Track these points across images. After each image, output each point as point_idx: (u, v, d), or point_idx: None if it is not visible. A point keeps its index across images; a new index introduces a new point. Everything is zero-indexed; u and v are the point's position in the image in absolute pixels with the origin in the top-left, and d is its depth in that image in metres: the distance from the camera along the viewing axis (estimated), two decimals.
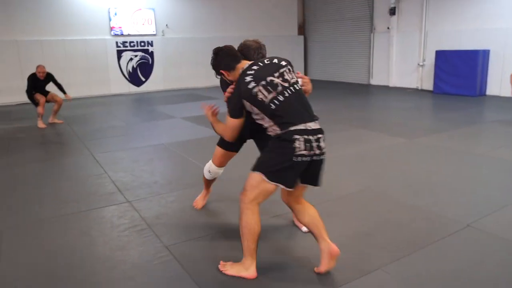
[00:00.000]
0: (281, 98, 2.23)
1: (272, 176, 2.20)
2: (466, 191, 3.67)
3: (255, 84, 2.24)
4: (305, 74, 14.68)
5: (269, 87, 2.24)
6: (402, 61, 11.36)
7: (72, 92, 8.49)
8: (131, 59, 11.68)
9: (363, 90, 11.22)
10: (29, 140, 6.26)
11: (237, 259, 2.42)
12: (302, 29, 14.77)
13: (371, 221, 3.06)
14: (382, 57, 11.88)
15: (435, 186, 3.78)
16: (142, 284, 2.34)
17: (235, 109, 2.36)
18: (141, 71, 11.85)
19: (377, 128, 6.29)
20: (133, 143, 5.76)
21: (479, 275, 2.34)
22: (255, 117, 2.34)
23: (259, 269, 2.34)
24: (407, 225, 2.98)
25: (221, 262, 2.44)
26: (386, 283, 2.27)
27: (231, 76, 2.43)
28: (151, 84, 12.03)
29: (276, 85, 2.25)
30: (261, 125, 2.35)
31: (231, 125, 2.40)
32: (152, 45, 11.90)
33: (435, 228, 2.92)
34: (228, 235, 2.87)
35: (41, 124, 7.05)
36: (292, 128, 2.17)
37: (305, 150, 2.18)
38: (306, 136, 2.19)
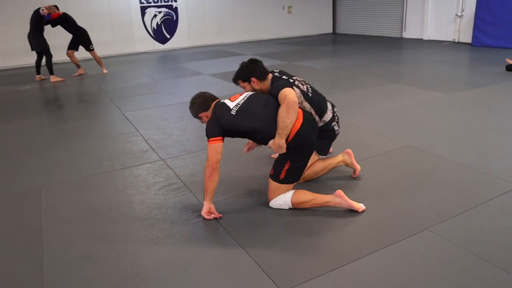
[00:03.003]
0: (311, 89, 2.86)
1: (321, 152, 2.94)
2: None
3: (292, 81, 2.76)
4: (333, 28, 14.12)
5: (299, 80, 2.84)
6: (438, 11, 10.70)
7: (97, 51, 8.42)
8: (155, 15, 11.42)
9: (396, 44, 10.71)
10: (60, 100, 6.28)
11: (273, 214, 2.35)
12: None
13: (414, 179, 2.93)
14: (417, 8, 11.21)
15: (479, 142, 3.58)
16: (182, 242, 2.31)
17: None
18: (165, 28, 11.61)
19: (412, 82, 6.00)
20: (162, 100, 5.69)
21: None
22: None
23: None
24: (453, 184, 2.83)
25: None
26: (435, 244, 2.16)
27: (261, 85, 2.77)
28: (176, 41, 11.81)
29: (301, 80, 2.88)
30: None
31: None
32: (176, 1, 11.58)
33: (483, 187, 2.76)
34: (264, 194, 2.80)
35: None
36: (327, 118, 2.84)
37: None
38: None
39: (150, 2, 11.27)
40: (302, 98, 2.72)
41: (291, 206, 2.55)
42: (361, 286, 1.89)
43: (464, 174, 2.98)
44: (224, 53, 10.21)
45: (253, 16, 12.64)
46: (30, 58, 9.18)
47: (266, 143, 2.56)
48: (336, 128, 2.89)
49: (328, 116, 2.83)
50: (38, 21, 7.18)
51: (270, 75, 2.79)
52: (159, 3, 11.40)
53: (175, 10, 11.63)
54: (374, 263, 2.04)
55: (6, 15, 9.60)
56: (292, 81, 2.76)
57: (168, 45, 11.76)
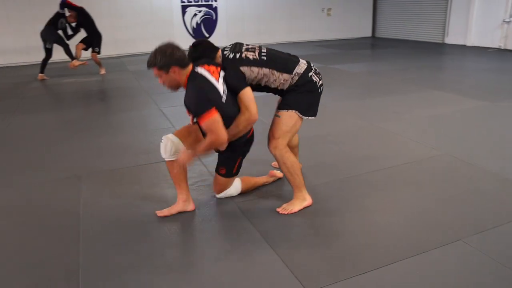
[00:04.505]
0: (264, 51, 2.55)
1: (306, 112, 2.55)
2: None
3: (243, 58, 2.49)
4: (372, 32, 13.89)
5: (250, 50, 2.54)
6: (483, 16, 10.33)
7: (138, 47, 8.66)
8: (195, 14, 11.63)
9: (437, 49, 10.43)
10: (99, 93, 6.51)
11: (299, 215, 2.35)
12: None
13: (451, 188, 2.85)
14: (461, 12, 10.87)
15: None
16: (212, 237, 2.37)
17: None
18: (205, 27, 11.81)
19: (453, 90, 5.82)
20: None
21: None
22: (259, 82, 2.55)
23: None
24: (492, 195, 2.74)
25: (277, 209, 2.58)
26: (467, 255, 2.11)
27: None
28: (215, 40, 11.84)
29: (253, 48, 2.57)
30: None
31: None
32: (216, 0, 11.74)
33: None
34: (287, 189, 2.81)
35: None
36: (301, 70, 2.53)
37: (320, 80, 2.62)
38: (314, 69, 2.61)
39: (191, 1, 11.48)
40: (257, 70, 2.48)
41: (239, 192, 2.76)
42: None
43: (504, 186, 2.87)
44: None
45: (292, 18, 12.63)
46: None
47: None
48: (315, 79, 2.56)
49: (301, 68, 2.54)
50: (55, 19, 7.25)
51: (219, 53, 2.56)
52: (200, 2, 11.59)
53: (215, 9, 11.79)
54: (403, 270, 2.01)
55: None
56: (243, 57, 2.48)
57: None
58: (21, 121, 4.91)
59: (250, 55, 2.50)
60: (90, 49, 7.72)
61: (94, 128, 4.57)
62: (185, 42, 12.72)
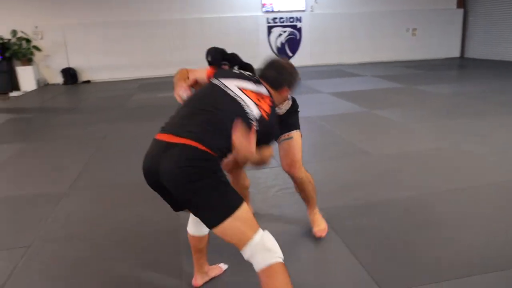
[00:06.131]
0: None
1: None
2: None
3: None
4: (461, 52, 13.35)
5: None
6: None
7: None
8: (280, 34, 12.15)
9: None
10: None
11: (380, 218, 2.52)
12: (462, 1, 13.30)
13: None
14: None
15: None
16: (294, 239, 2.59)
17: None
18: (289, 47, 12.28)
19: None
20: None
21: None
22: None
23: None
24: None
25: (316, 235, 2.56)
26: None
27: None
28: (298, 59, 12.36)
29: None
30: None
31: None
32: (300, 21, 12.17)
33: None
34: (377, 202, 2.97)
35: None
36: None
37: None
38: None
39: (277, 22, 12.03)
40: None
41: None
42: None
43: None
44: (344, 73, 10.42)
45: (374, 37, 12.63)
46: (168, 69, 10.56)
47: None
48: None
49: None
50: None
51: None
52: (285, 23, 12.10)
53: (299, 30, 12.22)
54: (483, 285, 2.08)
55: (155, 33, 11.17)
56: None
57: None
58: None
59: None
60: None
61: None
62: None
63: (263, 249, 1.57)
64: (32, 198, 3.45)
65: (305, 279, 2.18)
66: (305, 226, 2.74)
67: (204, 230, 2.01)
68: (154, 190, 1.72)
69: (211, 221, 1.58)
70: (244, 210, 1.60)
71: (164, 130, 1.70)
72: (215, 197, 1.57)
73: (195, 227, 2.02)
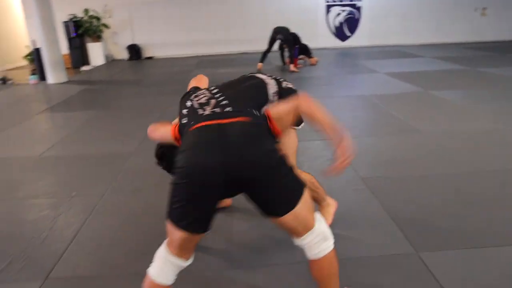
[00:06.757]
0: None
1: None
2: None
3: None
4: None
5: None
6: None
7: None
8: (338, 14, 11.98)
9: None
10: None
11: (447, 217, 2.60)
12: None
13: None
14: None
15: None
16: (358, 237, 2.40)
17: None
18: (347, 26, 12.10)
19: None
20: (337, 92, 6.21)
21: None
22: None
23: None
24: None
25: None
26: None
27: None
28: (356, 39, 12.16)
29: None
30: None
31: None
32: (360, 0, 11.91)
33: None
34: (423, 176, 3.04)
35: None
36: None
37: None
38: None
39: (335, 1, 11.86)
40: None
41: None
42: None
43: None
44: (403, 54, 10.14)
45: (439, 18, 12.08)
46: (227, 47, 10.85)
47: None
48: None
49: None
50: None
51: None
52: (344, 2, 11.90)
53: (358, 9, 11.97)
54: None
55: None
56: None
57: (347, 43, 12.20)
58: None
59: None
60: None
61: None
62: (327, 40, 13.05)
63: (323, 239, 1.55)
64: (105, 156, 3.88)
65: (366, 271, 2.09)
66: (368, 221, 2.57)
67: (172, 278, 1.60)
68: (201, 192, 1.44)
69: (289, 205, 1.46)
70: (307, 190, 1.53)
71: (204, 118, 1.58)
72: (294, 178, 1.51)
73: (165, 274, 1.56)
